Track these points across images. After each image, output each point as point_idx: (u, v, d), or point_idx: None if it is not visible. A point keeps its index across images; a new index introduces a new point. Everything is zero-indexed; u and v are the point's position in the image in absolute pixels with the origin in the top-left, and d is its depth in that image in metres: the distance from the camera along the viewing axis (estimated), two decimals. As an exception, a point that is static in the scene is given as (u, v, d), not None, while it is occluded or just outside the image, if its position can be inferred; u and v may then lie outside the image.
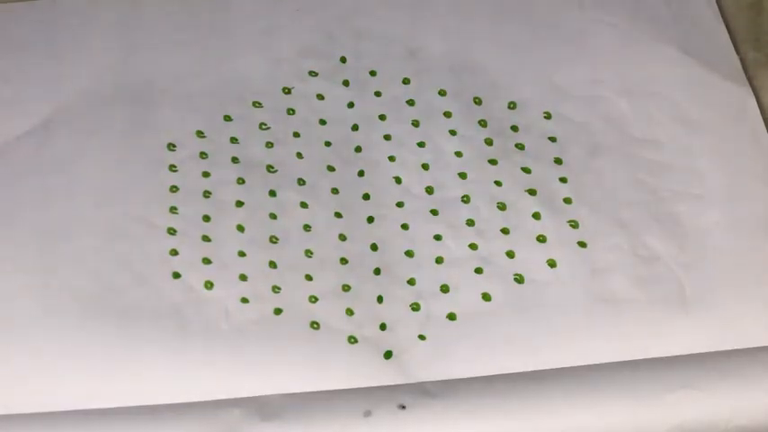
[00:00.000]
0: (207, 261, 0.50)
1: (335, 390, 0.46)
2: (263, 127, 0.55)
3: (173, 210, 0.52)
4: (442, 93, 0.56)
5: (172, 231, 0.51)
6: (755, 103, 0.55)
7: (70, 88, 0.56)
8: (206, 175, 0.53)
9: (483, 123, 0.55)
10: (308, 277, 0.50)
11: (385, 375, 0.47)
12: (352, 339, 0.48)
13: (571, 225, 0.51)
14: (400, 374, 0.47)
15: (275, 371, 0.47)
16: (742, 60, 0.57)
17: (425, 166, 0.53)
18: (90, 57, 0.57)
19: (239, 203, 0.52)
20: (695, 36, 0.57)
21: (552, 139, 0.54)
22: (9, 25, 0.58)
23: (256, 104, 0.56)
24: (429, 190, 0.53)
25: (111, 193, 0.52)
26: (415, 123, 0.55)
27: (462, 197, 0.52)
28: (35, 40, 0.57)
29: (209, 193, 0.52)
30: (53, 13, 0.59)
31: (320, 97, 0.56)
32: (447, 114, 0.55)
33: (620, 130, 0.54)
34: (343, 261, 0.51)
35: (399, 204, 0.52)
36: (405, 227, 0.52)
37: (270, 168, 0.53)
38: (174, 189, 0.52)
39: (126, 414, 0.46)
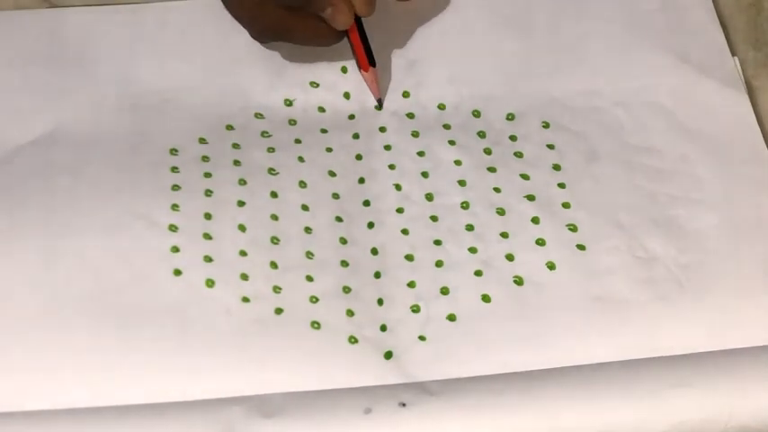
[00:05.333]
0: (208, 259, 0.50)
1: (336, 388, 0.46)
2: (265, 135, 0.55)
3: (174, 207, 0.52)
4: (441, 106, 0.57)
5: (173, 228, 0.51)
6: (752, 110, 0.55)
7: (74, 98, 0.56)
8: (207, 175, 0.53)
9: (482, 134, 0.56)
10: (309, 278, 0.50)
11: (385, 375, 0.47)
12: (353, 339, 0.48)
13: (570, 228, 0.52)
14: (400, 374, 0.47)
15: (276, 370, 0.47)
16: (742, 61, 0.57)
17: (425, 174, 0.54)
18: (93, 67, 0.57)
19: (241, 203, 0.52)
20: (693, 44, 0.58)
21: (550, 147, 0.55)
22: (12, 35, 0.59)
23: (258, 116, 0.56)
24: (429, 197, 0.53)
25: (113, 192, 0.52)
26: (415, 134, 0.56)
27: (462, 203, 0.53)
28: (39, 50, 0.58)
29: (211, 191, 0.53)
30: (57, 24, 0.59)
31: (321, 110, 0.57)
32: (446, 126, 0.56)
33: (617, 138, 0.55)
34: (344, 264, 0.51)
35: (399, 210, 0.53)
36: (405, 232, 0.52)
37: (271, 171, 0.54)
38: (175, 188, 0.53)
39: (126, 413, 0.45)
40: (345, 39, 0.55)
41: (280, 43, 0.58)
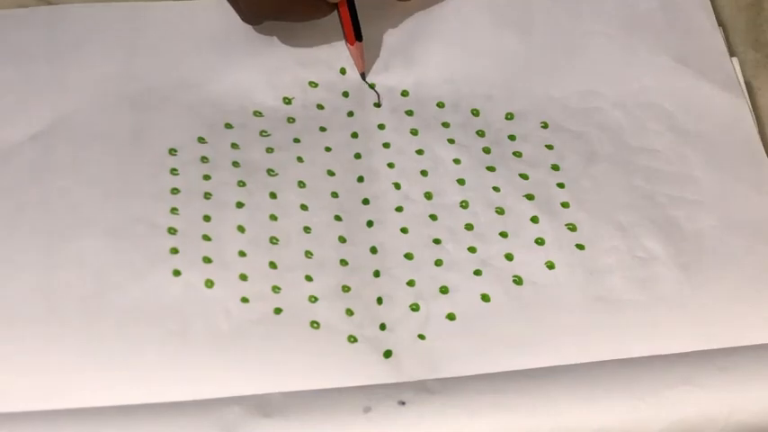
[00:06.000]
0: (207, 260, 0.50)
1: (336, 387, 0.46)
2: (264, 134, 0.55)
3: (173, 210, 0.52)
4: (441, 105, 0.57)
5: (172, 231, 0.51)
6: (750, 111, 0.55)
7: (73, 95, 0.56)
8: (207, 177, 0.53)
9: (481, 133, 0.56)
10: (308, 278, 0.50)
11: (384, 374, 0.47)
12: (352, 339, 0.48)
13: (569, 228, 0.52)
14: (400, 373, 0.47)
15: (275, 369, 0.47)
16: (741, 61, 0.57)
17: (424, 173, 0.54)
18: (93, 64, 0.57)
19: (240, 204, 0.52)
20: (691, 45, 0.58)
21: (549, 147, 0.55)
22: (11, 32, 0.59)
23: (257, 114, 0.56)
24: (428, 195, 0.53)
25: (112, 194, 0.52)
26: (414, 132, 0.56)
27: (461, 202, 0.53)
28: (38, 47, 0.58)
29: (210, 194, 0.53)
30: (56, 20, 0.59)
31: (320, 107, 0.57)
32: (445, 125, 0.56)
33: (616, 139, 0.55)
34: (343, 263, 0.51)
35: (398, 209, 0.53)
36: (404, 231, 0.52)
37: (270, 172, 0.54)
38: (174, 191, 0.53)
39: (126, 413, 0.45)
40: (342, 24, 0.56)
41: (278, 43, 0.58)
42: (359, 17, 0.56)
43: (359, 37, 0.56)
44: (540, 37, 0.59)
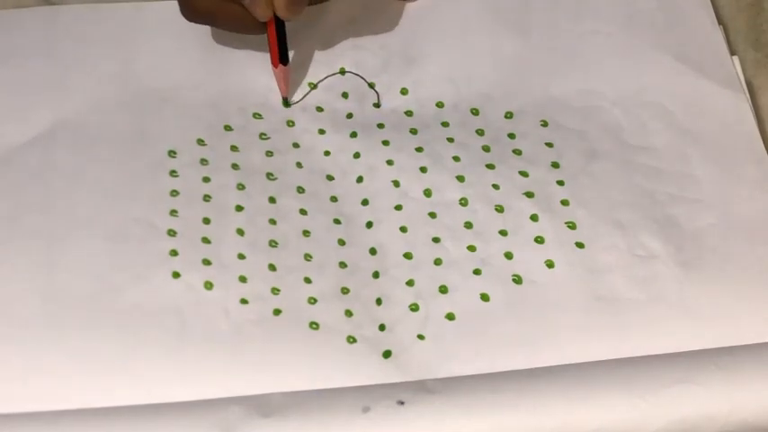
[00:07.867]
0: (207, 262, 0.50)
1: (335, 387, 0.46)
2: (263, 137, 0.56)
3: (173, 213, 0.52)
4: (440, 105, 0.57)
5: (172, 233, 0.51)
6: (750, 110, 0.55)
7: (72, 97, 0.56)
8: (206, 180, 0.54)
9: (480, 132, 0.56)
10: (308, 280, 0.50)
11: (384, 374, 0.47)
12: (351, 339, 0.48)
13: (569, 226, 0.52)
14: (399, 373, 0.47)
15: (274, 370, 0.47)
16: (742, 61, 0.57)
17: (423, 169, 0.54)
18: (92, 65, 0.58)
19: (239, 208, 0.53)
20: (691, 43, 0.58)
21: (549, 145, 0.55)
22: (11, 33, 0.59)
23: (256, 116, 0.56)
24: (427, 193, 0.53)
25: (112, 196, 0.53)
26: (413, 131, 0.56)
27: (460, 200, 0.53)
28: (37, 49, 0.58)
29: (209, 197, 0.53)
30: (55, 21, 0.59)
31: (319, 109, 0.57)
32: (444, 124, 0.56)
33: (615, 138, 0.55)
34: (342, 265, 0.51)
35: (398, 207, 0.53)
36: (403, 230, 0.52)
37: (270, 176, 0.54)
38: (174, 193, 0.53)
39: (126, 413, 0.46)
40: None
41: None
42: (365, 18, 0.55)
43: (284, 60, 0.55)
44: (540, 36, 0.59)
